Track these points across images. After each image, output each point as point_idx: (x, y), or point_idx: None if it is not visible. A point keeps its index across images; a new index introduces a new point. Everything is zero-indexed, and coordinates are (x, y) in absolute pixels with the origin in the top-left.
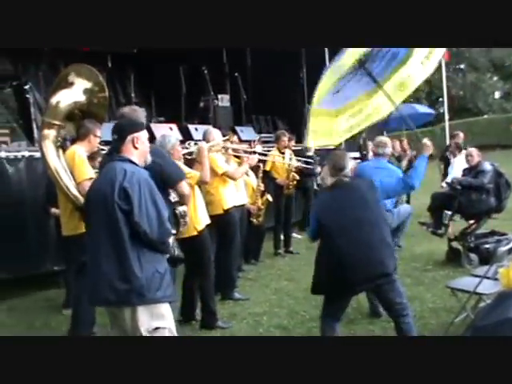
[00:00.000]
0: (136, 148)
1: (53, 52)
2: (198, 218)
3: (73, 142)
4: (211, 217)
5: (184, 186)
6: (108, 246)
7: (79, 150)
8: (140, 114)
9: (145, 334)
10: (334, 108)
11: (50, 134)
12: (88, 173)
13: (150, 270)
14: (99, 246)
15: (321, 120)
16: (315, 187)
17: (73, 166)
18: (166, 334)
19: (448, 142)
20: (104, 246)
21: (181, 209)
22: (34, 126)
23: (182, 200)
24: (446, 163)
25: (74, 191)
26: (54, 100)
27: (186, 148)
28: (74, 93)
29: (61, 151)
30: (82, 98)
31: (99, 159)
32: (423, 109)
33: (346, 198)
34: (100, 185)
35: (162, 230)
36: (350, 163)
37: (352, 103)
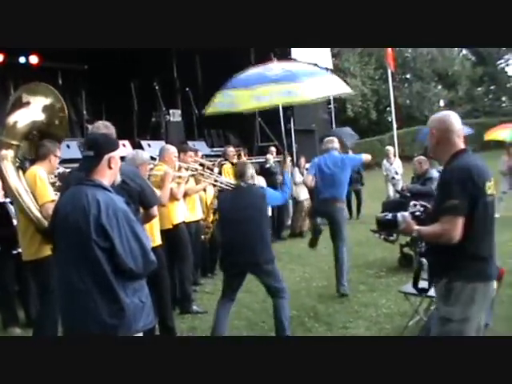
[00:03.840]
0: (110, 168)
1: (2, 68)
2: (154, 236)
3: (32, 162)
4: (160, 232)
5: (156, 210)
6: (90, 282)
7: (40, 172)
8: (113, 131)
9: None
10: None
11: (8, 154)
12: (50, 195)
13: (135, 302)
14: (76, 279)
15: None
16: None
17: (34, 188)
18: None
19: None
20: (84, 281)
21: None
22: None
23: (146, 220)
24: None
25: (37, 213)
26: (10, 120)
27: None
28: (31, 112)
29: (21, 172)
30: (41, 118)
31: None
32: None
33: (238, 200)
34: (69, 212)
35: (147, 262)
36: (250, 171)
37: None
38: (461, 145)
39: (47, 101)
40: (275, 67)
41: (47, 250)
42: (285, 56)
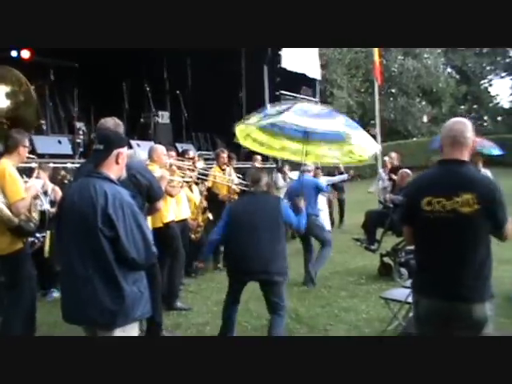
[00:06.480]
0: (118, 163)
1: None
2: None
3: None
4: (152, 230)
5: (161, 204)
6: (93, 268)
7: (10, 167)
8: (121, 129)
9: None
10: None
11: None
12: (21, 192)
13: (134, 291)
14: (79, 266)
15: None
16: None
17: (4, 184)
18: None
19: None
20: (87, 268)
21: None
22: None
23: (150, 213)
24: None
25: (6, 211)
26: None
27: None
28: None
29: None
30: (6, 103)
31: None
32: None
33: (253, 206)
34: (76, 201)
35: (149, 253)
36: (265, 179)
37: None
38: (448, 154)
39: (7, 84)
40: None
41: (19, 243)
42: (275, 65)
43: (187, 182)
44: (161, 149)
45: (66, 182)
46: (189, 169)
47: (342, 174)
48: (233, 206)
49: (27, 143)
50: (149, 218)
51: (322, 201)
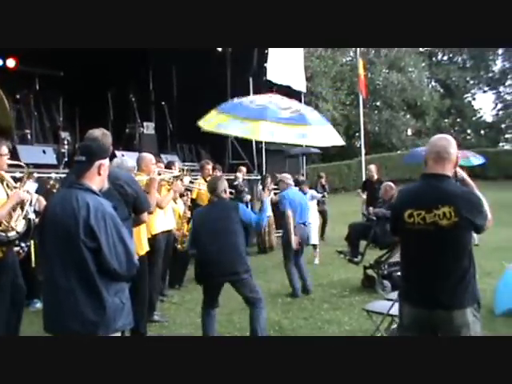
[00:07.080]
0: (100, 175)
1: None
2: (142, 244)
3: None
4: None
5: (146, 216)
6: (75, 279)
7: None
8: (110, 140)
9: None
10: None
11: None
12: None
13: (116, 302)
14: (60, 277)
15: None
16: None
17: None
18: None
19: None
20: (69, 279)
21: None
22: None
23: (135, 225)
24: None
25: None
26: None
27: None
28: None
29: None
30: None
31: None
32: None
33: (211, 214)
34: (58, 213)
35: (130, 264)
36: (222, 186)
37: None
38: (431, 169)
39: None
40: (283, 103)
41: None
42: (260, 77)
43: (177, 177)
44: (149, 157)
45: (54, 191)
46: (175, 176)
47: (324, 187)
48: (196, 217)
49: (5, 151)
50: (144, 227)
51: (312, 214)
